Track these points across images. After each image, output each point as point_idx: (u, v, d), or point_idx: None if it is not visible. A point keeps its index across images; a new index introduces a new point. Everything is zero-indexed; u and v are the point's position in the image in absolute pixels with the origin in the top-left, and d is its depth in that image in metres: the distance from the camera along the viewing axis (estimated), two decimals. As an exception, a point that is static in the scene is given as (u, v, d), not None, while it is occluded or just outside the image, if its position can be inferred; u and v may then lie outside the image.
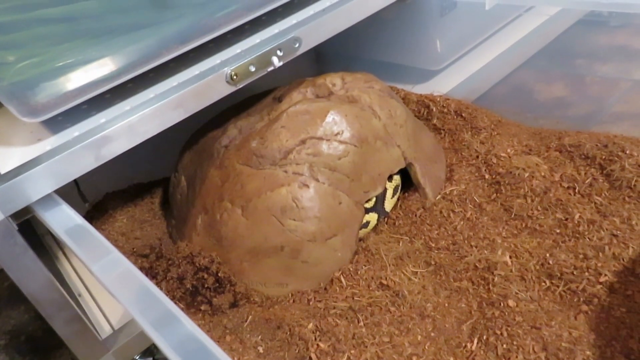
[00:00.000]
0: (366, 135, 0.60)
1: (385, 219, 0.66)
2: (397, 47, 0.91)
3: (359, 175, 0.59)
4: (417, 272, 0.57)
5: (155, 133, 0.55)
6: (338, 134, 0.58)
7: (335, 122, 0.59)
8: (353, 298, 0.55)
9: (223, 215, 0.59)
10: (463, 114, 0.77)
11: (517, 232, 0.59)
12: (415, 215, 0.64)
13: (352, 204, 0.59)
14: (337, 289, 0.57)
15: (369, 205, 0.63)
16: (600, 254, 0.53)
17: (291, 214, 0.56)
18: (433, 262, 0.58)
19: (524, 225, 0.60)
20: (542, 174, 0.63)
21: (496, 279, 0.53)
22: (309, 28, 0.63)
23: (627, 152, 0.60)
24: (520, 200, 0.62)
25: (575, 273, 0.51)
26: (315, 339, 0.51)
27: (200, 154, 0.68)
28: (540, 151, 0.68)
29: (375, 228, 0.65)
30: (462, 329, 0.51)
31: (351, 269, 0.58)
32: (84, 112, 0.54)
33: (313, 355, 0.50)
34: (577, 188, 0.61)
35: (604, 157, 0.62)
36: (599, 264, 0.52)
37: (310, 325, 0.52)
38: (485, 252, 0.57)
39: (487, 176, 0.67)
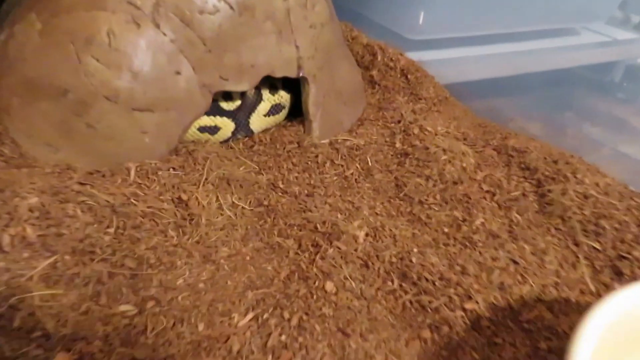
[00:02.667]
0: (253, 5, 0.42)
1: (246, 138, 0.48)
2: (380, 5, 0.76)
3: (221, 50, 0.41)
4: (237, 206, 0.40)
5: None
6: (215, -20, 0.40)
7: (219, -36, 0.41)
8: (129, 198, 0.37)
9: (18, 29, 0.41)
10: (409, 76, 0.60)
11: (395, 214, 0.42)
12: (284, 149, 0.47)
13: (196, 84, 0.41)
14: (119, 181, 0.38)
15: (227, 107, 0.46)
16: (484, 276, 0.36)
17: (97, 51, 0.38)
18: (266, 203, 0.40)
19: (409, 209, 0.42)
20: (464, 164, 0.46)
21: (332, 251, 0.36)
22: None
23: (578, 177, 0.44)
24: (419, 180, 0.45)
25: (437, 284, 0.34)
26: (28, 219, 0.33)
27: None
28: (476, 144, 0.51)
29: (226, 142, 0.47)
30: (246, 295, 0.33)
31: (153, 166, 0.40)
32: None
33: (6, 237, 0.31)
34: (498, 196, 0.44)
35: (547, 173, 0.45)
36: (476, 287, 0.34)
37: (34, 200, 0.34)
38: (339, 216, 0.39)
39: (397, 144, 0.50)
